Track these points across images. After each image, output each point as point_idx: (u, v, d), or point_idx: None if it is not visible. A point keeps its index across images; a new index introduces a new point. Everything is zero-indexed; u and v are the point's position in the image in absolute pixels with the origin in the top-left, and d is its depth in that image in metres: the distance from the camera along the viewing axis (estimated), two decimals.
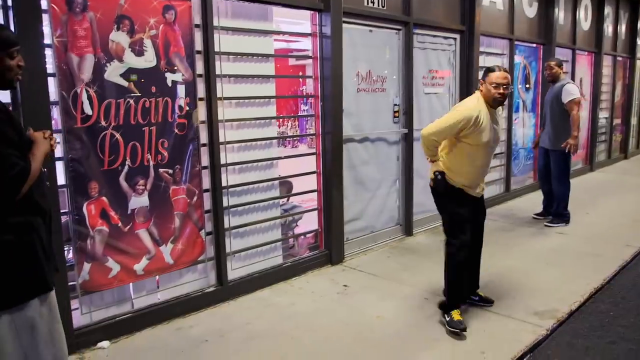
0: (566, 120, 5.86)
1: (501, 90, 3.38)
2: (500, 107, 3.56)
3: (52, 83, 3.11)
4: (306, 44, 4.77)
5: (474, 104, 3.41)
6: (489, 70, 3.46)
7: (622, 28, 10.97)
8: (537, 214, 6.46)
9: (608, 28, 10.23)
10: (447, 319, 3.53)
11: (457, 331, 3.43)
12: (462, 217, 3.53)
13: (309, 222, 5.02)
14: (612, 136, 10.89)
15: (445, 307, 3.63)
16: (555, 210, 6.17)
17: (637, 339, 3.49)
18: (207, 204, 3.95)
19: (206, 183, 3.92)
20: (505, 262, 4.84)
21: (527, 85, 7.80)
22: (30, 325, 2.05)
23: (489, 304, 3.89)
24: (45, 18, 3.04)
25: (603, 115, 10.52)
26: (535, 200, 6.90)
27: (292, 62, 8.59)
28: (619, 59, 10.94)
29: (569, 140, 5.81)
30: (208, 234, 3.98)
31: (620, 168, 10.53)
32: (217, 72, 3.87)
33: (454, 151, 3.47)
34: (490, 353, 3.23)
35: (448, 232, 3.60)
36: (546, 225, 6.07)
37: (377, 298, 4.10)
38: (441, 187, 3.50)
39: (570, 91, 5.81)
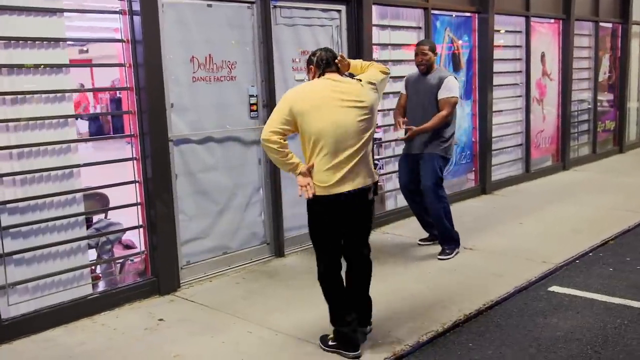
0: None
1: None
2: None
3: None
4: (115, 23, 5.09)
5: None
6: None
7: None
8: (422, 240, 6.49)
9: None
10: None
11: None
12: None
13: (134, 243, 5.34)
14: (596, 124, 11.35)
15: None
16: (442, 233, 6.09)
17: None
18: None
19: None
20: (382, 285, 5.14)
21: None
22: None
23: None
24: None
25: (582, 97, 10.95)
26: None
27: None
28: (605, 25, 11.37)
29: (412, 126, 5.72)
30: None
31: (606, 165, 11.03)
32: None
33: None
34: None
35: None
36: (440, 259, 5.98)
37: (190, 333, 4.44)
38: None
39: (452, 87, 5.75)
